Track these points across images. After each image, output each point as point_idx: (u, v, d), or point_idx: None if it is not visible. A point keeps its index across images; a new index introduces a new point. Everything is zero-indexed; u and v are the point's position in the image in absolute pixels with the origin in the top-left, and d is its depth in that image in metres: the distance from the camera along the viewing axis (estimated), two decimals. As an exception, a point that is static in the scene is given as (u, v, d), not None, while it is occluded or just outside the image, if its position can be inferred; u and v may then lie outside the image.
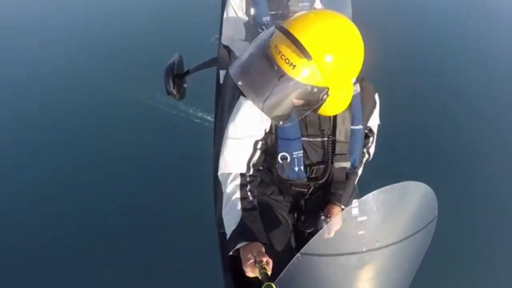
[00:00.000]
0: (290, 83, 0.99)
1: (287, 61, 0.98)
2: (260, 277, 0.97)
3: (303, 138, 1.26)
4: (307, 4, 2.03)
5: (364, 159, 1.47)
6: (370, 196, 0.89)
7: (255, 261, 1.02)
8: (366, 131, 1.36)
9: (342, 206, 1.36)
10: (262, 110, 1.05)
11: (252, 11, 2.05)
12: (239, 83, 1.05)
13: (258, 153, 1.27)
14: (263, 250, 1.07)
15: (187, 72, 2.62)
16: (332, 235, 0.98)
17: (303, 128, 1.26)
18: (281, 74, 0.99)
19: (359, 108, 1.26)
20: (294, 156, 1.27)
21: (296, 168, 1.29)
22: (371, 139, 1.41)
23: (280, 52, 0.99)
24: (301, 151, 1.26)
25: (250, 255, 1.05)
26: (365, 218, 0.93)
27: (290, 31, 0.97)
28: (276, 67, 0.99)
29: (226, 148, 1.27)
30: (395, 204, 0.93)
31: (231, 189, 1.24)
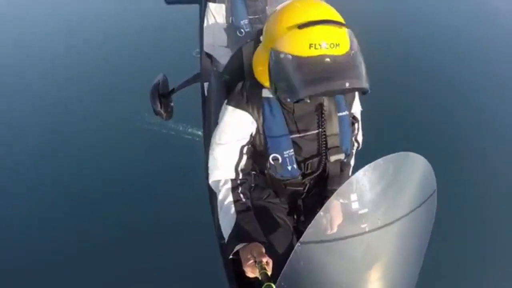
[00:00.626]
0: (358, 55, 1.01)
1: (332, 45, 0.96)
2: (260, 278, 0.96)
3: (294, 135, 1.25)
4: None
5: (354, 148, 1.45)
6: (361, 173, 0.86)
7: (255, 262, 1.02)
8: (351, 118, 1.35)
9: (341, 200, 1.32)
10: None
11: (231, 16, 2.11)
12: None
13: (244, 158, 1.26)
14: (263, 250, 1.07)
15: (172, 91, 2.64)
16: (335, 230, 0.94)
17: (292, 125, 1.25)
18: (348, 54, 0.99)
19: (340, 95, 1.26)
20: (285, 155, 1.26)
21: (289, 167, 1.28)
22: (356, 126, 1.39)
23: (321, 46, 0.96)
24: (292, 150, 1.25)
25: (250, 256, 1.05)
26: (366, 210, 0.90)
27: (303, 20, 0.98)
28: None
29: (213, 155, 1.27)
30: (390, 178, 0.90)
31: (223, 194, 1.24)
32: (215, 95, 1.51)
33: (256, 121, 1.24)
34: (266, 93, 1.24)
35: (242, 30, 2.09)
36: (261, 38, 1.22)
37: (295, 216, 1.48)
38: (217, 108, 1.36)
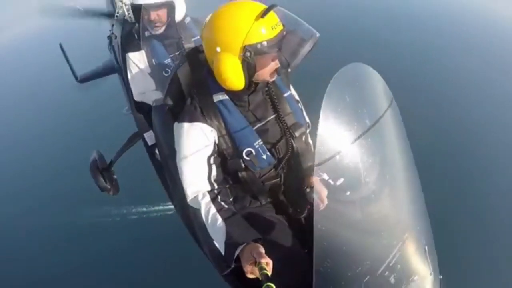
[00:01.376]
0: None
1: (278, 23, 1.14)
2: (260, 278, 0.98)
3: (256, 126, 1.30)
4: (198, 37, 2.21)
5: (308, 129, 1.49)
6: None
7: (255, 263, 1.04)
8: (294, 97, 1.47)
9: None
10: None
11: (152, 59, 2.16)
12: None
13: (214, 168, 1.29)
14: (263, 251, 1.08)
15: (112, 163, 2.58)
16: (326, 202, 0.98)
17: (251, 116, 1.31)
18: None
19: (278, 78, 1.33)
20: (257, 146, 1.29)
21: (264, 156, 1.30)
22: (299, 105, 1.46)
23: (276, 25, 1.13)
24: (259, 139, 1.29)
25: (250, 257, 1.07)
26: (342, 180, 0.95)
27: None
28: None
29: (183, 174, 1.28)
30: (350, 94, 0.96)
31: (205, 207, 1.25)
32: (166, 128, 1.51)
33: (216, 127, 1.26)
34: (217, 97, 1.29)
35: (168, 69, 2.15)
36: (208, 51, 1.23)
37: (283, 213, 1.46)
38: (171, 149, 1.37)
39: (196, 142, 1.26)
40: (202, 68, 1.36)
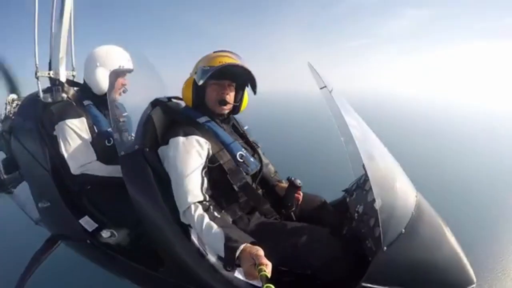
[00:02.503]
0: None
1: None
2: (260, 279, 1.01)
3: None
4: (127, 113, 2.27)
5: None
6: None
7: (255, 265, 1.08)
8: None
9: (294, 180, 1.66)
10: None
11: (95, 128, 2.05)
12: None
13: (205, 180, 1.43)
14: (262, 253, 1.13)
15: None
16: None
17: (231, 135, 1.63)
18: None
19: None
20: (244, 152, 1.56)
21: (252, 159, 1.58)
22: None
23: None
24: (243, 149, 1.58)
25: (249, 259, 1.12)
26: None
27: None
28: None
29: (182, 185, 1.37)
30: None
31: (198, 219, 1.32)
32: (144, 173, 1.51)
33: (210, 140, 1.49)
34: (201, 120, 1.57)
35: (111, 139, 2.06)
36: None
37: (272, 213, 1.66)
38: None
39: (192, 153, 1.42)
40: (177, 106, 1.68)
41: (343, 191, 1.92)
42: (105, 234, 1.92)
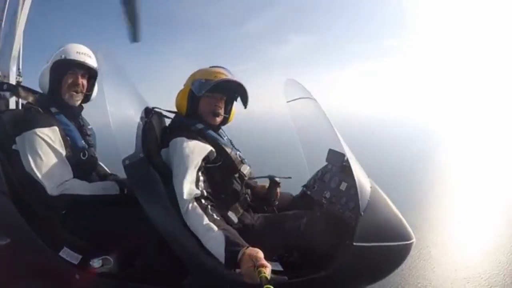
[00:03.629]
0: None
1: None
2: (259, 281, 1.04)
3: None
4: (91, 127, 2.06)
5: None
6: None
7: (254, 267, 1.13)
8: None
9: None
10: None
11: (68, 141, 1.78)
12: None
13: (202, 179, 1.54)
14: (262, 255, 1.20)
15: None
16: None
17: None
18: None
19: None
20: (241, 154, 1.83)
21: (246, 160, 1.85)
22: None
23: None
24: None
25: (249, 261, 1.17)
26: None
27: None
28: None
29: (180, 177, 1.47)
30: None
31: (197, 220, 1.38)
32: (153, 181, 1.52)
33: (210, 143, 1.67)
34: (196, 128, 1.74)
35: (86, 152, 1.84)
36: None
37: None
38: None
39: (194, 149, 1.56)
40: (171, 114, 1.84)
41: (303, 186, 2.31)
42: (96, 263, 1.58)
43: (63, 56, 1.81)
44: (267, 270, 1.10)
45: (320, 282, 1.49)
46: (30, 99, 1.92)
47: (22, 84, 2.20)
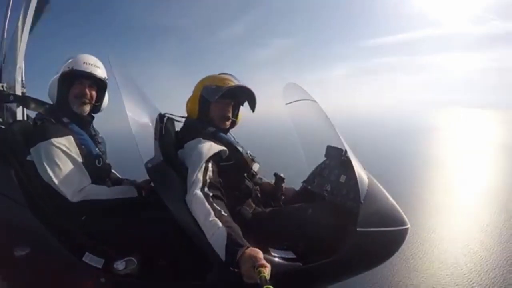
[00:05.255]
0: None
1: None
2: (259, 281, 1.05)
3: None
4: (101, 135, 2.14)
5: None
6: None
7: (253, 267, 1.13)
8: None
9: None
10: None
11: (84, 148, 1.84)
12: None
13: (211, 169, 1.62)
14: (261, 255, 1.21)
15: None
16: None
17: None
18: None
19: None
20: (251, 153, 1.96)
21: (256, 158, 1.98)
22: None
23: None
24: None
25: (249, 261, 1.18)
26: None
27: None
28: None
29: (195, 168, 1.57)
30: None
31: (203, 211, 1.41)
32: (176, 181, 1.58)
33: (223, 145, 1.76)
34: (209, 131, 1.85)
35: (101, 159, 1.90)
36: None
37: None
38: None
39: (208, 147, 1.66)
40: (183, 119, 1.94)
41: (303, 182, 2.43)
42: (120, 265, 1.60)
43: (71, 67, 1.87)
44: (267, 270, 1.11)
45: (331, 267, 1.62)
46: (40, 110, 1.97)
47: (27, 95, 2.22)
